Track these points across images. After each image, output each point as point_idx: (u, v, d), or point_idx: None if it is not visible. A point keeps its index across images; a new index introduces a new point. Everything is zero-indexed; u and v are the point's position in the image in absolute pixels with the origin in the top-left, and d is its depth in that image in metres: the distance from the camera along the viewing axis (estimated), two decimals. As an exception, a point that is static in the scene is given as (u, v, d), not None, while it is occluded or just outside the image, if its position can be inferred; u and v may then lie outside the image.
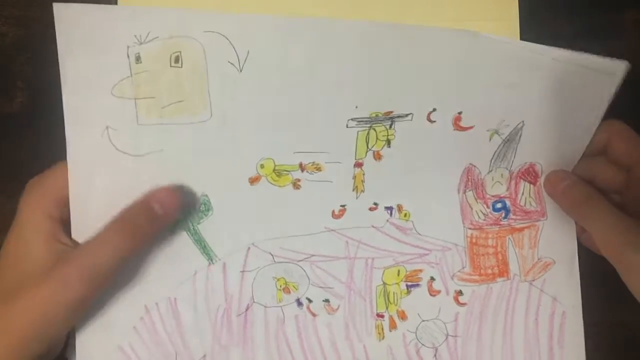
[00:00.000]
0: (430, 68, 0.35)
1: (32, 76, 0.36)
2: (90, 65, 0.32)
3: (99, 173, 0.33)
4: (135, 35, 0.32)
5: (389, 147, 0.36)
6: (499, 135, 0.36)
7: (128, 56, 0.33)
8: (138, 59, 0.32)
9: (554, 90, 0.35)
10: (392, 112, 0.36)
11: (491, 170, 0.37)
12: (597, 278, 0.38)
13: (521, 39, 0.37)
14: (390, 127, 0.36)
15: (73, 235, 0.33)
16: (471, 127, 0.36)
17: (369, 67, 0.35)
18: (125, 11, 0.33)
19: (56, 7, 0.31)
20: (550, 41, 0.35)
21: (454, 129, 0.36)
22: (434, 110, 0.36)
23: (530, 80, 0.35)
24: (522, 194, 0.37)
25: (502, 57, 0.35)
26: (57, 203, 0.32)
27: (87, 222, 0.33)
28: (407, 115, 0.36)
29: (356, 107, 0.35)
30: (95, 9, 0.32)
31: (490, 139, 0.36)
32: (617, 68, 0.34)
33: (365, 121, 0.35)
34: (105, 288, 0.31)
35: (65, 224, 0.32)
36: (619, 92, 0.35)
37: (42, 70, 0.33)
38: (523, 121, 0.36)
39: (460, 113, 0.36)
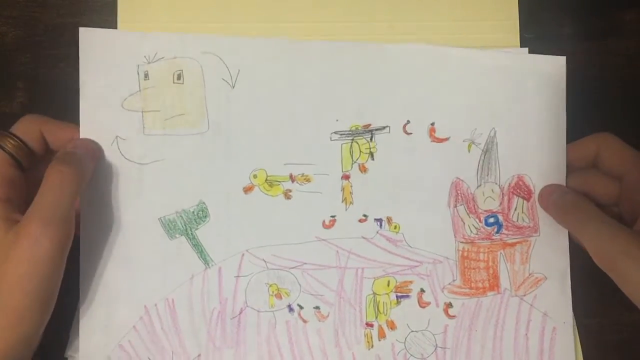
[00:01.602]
0: (398, 81, 0.37)
1: (32, 76, 0.37)
2: (105, 81, 0.36)
3: (108, 179, 0.37)
4: (144, 56, 0.36)
5: (373, 159, 0.38)
6: (476, 145, 0.38)
7: (138, 73, 0.36)
8: (146, 76, 0.36)
9: (514, 92, 0.37)
10: (370, 125, 0.38)
11: (480, 185, 0.38)
12: (595, 278, 0.37)
13: (521, 38, 0.38)
14: (371, 139, 0.38)
15: (82, 238, 0.36)
16: (447, 139, 0.38)
17: (346, 82, 0.37)
18: (137, 35, 0.37)
19: (82, 31, 0.36)
20: (551, 41, 0.36)
21: (431, 141, 0.38)
22: (408, 122, 0.37)
23: (490, 86, 0.37)
24: (515, 209, 0.38)
25: (462, 67, 0.37)
26: None
27: (95, 226, 0.36)
28: (384, 128, 0.38)
29: (337, 120, 0.37)
30: (113, 33, 0.37)
31: (469, 150, 0.38)
32: (559, 64, 0.36)
33: (347, 134, 0.38)
34: (72, 227, 0.32)
35: (14, 201, 0.32)
36: (619, 94, 0.35)
37: (42, 70, 0.34)
38: (494, 128, 0.37)
39: (433, 124, 0.37)
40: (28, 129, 0.34)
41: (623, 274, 0.30)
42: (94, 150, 0.36)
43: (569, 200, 0.35)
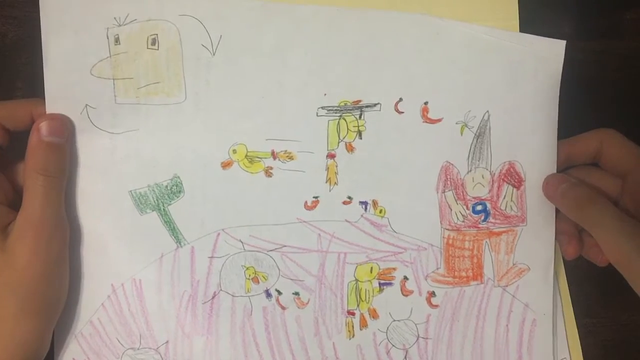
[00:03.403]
0: (393, 55, 0.35)
1: (32, 76, 0.36)
2: (71, 45, 0.33)
3: (77, 148, 0.34)
4: (114, 17, 0.33)
5: (361, 138, 0.36)
6: (469, 128, 0.36)
7: (107, 37, 0.33)
8: (117, 40, 0.33)
9: (510, 75, 0.36)
10: (360, 101, 0.36)
11: (470, 170, 0.37)
12: (595, 278, 0.38)
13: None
14: (360, 117, 0.36)
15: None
16: (440, 120, 0.36)
17: (337, 52, 0.35)
18: (105, -7, 0.34)
19: None
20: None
21: (424, 121, 0.36)
22: (401, 100, 0.36)
23: (487, 65, 0.36)
24: (504, 197, 0.37)
25: (460, 42, 0.35)
26: None
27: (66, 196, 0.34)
28: (375, 105, 0.36)
29: (325, 94, 0.35)
30: None
31: (461, 133, 0.36)
32: (558, 47, 0.35)
33: (335, 110, 0.36)
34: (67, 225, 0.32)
35: (3, 202, 0.33)
36: (619, 94, 0.35)
37: (42, 70, 0.33)
38: (488, 111, 0.36)
39: (426, 103, 0.36)
40: None
41: (637, 271, 0.29)
42: (67, 127, 0.33)
43: (583, 192, 0.33)
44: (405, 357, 0.37)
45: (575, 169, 0.36)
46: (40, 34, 0.33)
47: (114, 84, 0.34)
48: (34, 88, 0.36)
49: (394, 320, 0.37)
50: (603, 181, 0.35)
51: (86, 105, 0.34)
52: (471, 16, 0.36)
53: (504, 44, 0.36)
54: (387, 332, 0.37)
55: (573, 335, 0.38)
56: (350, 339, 0.36)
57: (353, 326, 0.37)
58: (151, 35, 0.34)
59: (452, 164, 0.36)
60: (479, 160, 0.37)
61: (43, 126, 0.32)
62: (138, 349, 0.35)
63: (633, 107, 0.39)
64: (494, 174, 0.37)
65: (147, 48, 0.34)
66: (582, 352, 0.37)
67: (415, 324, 0.37)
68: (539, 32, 0.37)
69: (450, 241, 0.37)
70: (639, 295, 0.30)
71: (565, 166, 0.36)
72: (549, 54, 0.35)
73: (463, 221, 0.37)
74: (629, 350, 0.39)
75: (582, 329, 0.38)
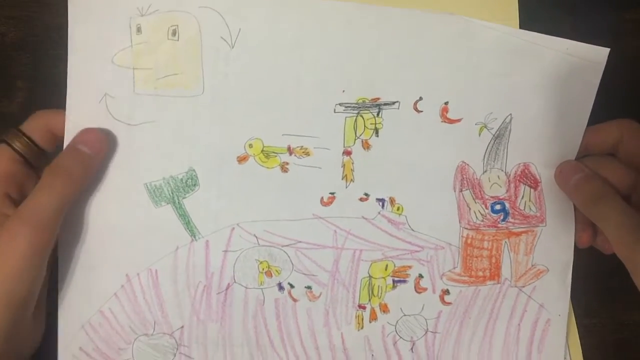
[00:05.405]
0: (415, 53, 0.34)
1: (32, 76, 0.36)
2: (95, 33, 0.33)
3: None
4: (137, 7, 0.33)
5: (377, 136, 0.35)
6: (488, 130, 0.35)
7: (130, 27, 0.33)
8: (139, 30, 0.33)
9: (540, 79, 0.35)
10: (379, 98, 0.35)
11: (486, 171, 0.36)
12: (596, 277, 0.38)
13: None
14: (378, 115, 0.35)
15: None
16: (459, 120, 0.35)
17: (357, 49, 0.34)
18: (130, -17, 0.33)
19: None
20: (550, 41, 0.35)
21: (442, 121, 0.35)
22: (420, 99, 0.35)
23: (516, 68, 0.35)
24: (522, 197, 0.36)
25: (487, 44, 0.34)
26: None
27: None
28: (393, 103, 0.35)
29: (343, 91, 0.35)
30: None
31: (479, 134, 0.35)
32: (600, 55, 0.34)
33: (353, 107, 0.35)
34: (53, 232, 0.31)
35: (14, 198, 0.32)
36: (620, 94, 0.34)
37: (42, 70, 0.34)
38: (511, 114, 0.35)
39: (446, 103, 0.35)
40: (35, 126, 0.33)
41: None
42: (101, 144, 0.33)
43: (594, 188, 0.33)
44: (412, 349, 0.37)
45: (591, 158, 0.35)
46: (40, 32, 0.33)
47: (133, 73, 0.34)
48: (34, 88, 0.36)
49: (405, 315, 0.37)
50: (618, 172, 0.34)
51: (105, 94, 0.34)
52: (471, 15, 0.35)
53: (536, 48, 0.34)
54: (396, 325, 0.37)
55: (573, 335, 0.38)
56: (358, 330, 0.37)
57: (363, 319, 0.37)
58: (172, 26, 0.33)
59: (467, 164, 0.36)
60: (494, 161, 0.36)
61: (78, 133, 0.33)
62: (152, 334, 0.36)
63: (633, 107, 0.38)
64: (509, 174, 0.36)
65: (168, 39, 0.33)
66: (582, 352, 0.37)
67: (426, 319, 0.37)
68: (539, 31, 0.36)
69: (469, 240, 0.36)
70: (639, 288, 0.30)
71: (582, 155, 0.36)
72: (588, 61, 0.34)
73: (482, 220, 0.36)
74: (629, 350, 0.39)
75: (582, 329, 0.38)
